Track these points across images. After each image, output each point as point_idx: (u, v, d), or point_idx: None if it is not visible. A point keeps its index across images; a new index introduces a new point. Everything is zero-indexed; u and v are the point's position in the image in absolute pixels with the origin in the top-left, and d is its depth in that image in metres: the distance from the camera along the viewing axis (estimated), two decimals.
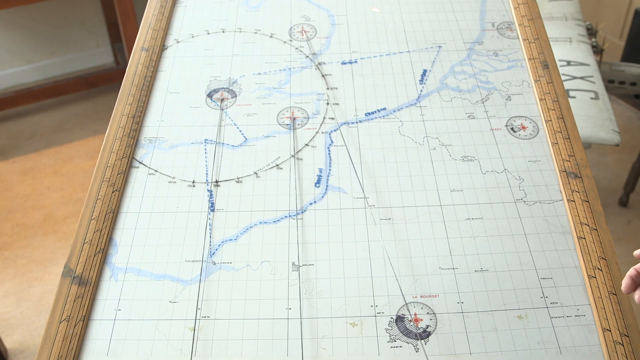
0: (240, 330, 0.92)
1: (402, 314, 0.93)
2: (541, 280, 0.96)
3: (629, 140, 2.84)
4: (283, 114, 1.20)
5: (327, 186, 1.08)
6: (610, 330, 0.90)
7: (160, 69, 1.29)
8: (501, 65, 1.29)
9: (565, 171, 1.09)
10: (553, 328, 0.91)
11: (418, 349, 0.89)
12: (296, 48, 1.33)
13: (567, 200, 1.05)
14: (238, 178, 1.10)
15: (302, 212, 1.05)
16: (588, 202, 1.04)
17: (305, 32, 1.37)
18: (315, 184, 1.09)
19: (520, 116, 1.19)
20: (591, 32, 2.29)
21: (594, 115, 1.86)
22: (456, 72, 1.27)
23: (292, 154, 1.14)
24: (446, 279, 0.97)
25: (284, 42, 1.35)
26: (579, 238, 1.00)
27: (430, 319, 0.92)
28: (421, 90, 1.24)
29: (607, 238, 1.00)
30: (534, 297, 0.95)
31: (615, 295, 0.93)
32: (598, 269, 0.96)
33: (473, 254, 0.99)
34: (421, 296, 0.95)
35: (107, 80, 3.06)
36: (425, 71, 1.28)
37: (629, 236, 2.45)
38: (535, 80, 1.24)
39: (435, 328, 0.91)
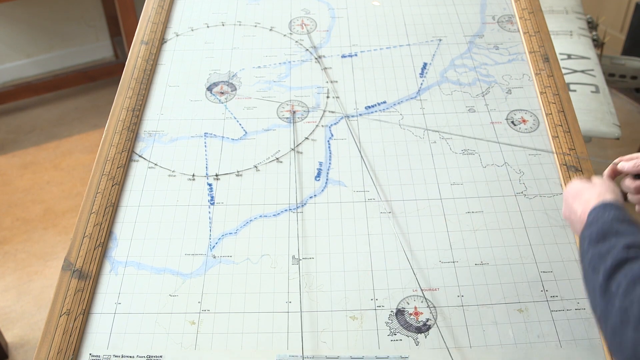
0: (240, 324, 0.92)
1: (402, 308, 0.93)
2: (541, 273, 0.96)
3: (629, 134, 2.84)
4: (283, 108, 1.20)
5: (327, 180, 1.08)
6: None
7: (160, 62, 1.29)
8: (502, 58, 1.28)
9: (566, 165, 1.09)
10: (553, 321, 0.91)
11: (418, 342, 0.89)
12: (296, 41, 1.33)
13: None
14: (238, 171, 1.10)
15: (302, 206, 1.05)
16: None
17: (305, 25, 1.36)
18: (316, 177, 1.09)
19: (521, 109, 1.19)
20: (592, 25, 2.29)
21: (595, 109, 1.86)
22: (456, 66, 1.27)
23: (292, 147, 1.14)
24: (446, 272, 0.96)
25: (284, 35, 1.34)
26: None
27: (431, 312, 0.92)
28: (421, 84, 1.24)
29: None
30: (534, 291, 0.95)
31: None
32: None
33: (473, 248, 0.99)
34: (422, 289, 0.95)
35: (107, 74, 3.05)
36: (425, 64, 1.27)
37: None
38: (536, 74, 1.24)
39: (435, 321, 0.91)
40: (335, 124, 1.17)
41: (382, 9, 1.40)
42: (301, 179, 1.09)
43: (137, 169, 1.11)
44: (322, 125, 1.17)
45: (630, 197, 0.92)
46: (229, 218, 1.04)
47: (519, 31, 1.34)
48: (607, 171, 0.93)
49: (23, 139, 2.91)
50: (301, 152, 1.13)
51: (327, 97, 1.21)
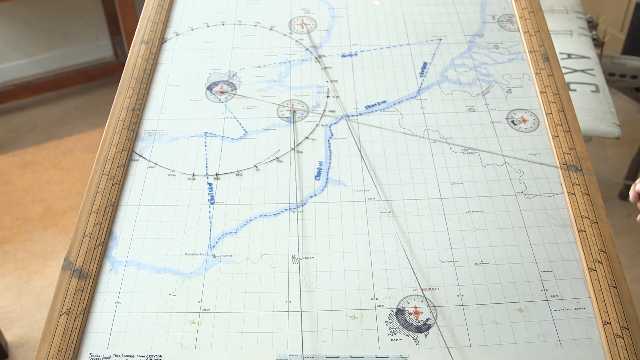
0: (240, 323, 0.92)
1: (402, 307, 0.93)
2: (541, 273, 0.96)
3: (629, 133, 2.84)
4: (283, 107, 1.20)
5: (327, 179, 1.08)
6: (610, 323, 0.90)
7: (160, 61, 1.29)
8: (502, 57, 1.28)
9: (566, 164, 1.09)
10: (553, 321, 0.91)
11: (418, 341, 0.89)
12: (296, 41, 1.33)
13: (568, 193, 1.05)
14: (238, 171, 1.10)
15: (302, 205, 1.05)
16: (588, 195, 1.04)
17: (305, 24, 1.36)
18: (316, 176, 1.09)
19: (521, 109, 1.19)
20: (592, 24, 2.29)
21: (595, 108, 1.86)
22: (456, 65, 1.27)
23: (292, 146, 1.14)
24: (446, 271, 0.96)
25: (284, 34, 1.34)
26: (579, 231, 1.00)
27: (431, 312, 0.92)
28: (421, 83, 1.24)
29: (607, 231, 1.00)
30: (534, 290, 0.95)
31: (616, 288, 0.93)
32: (598, 262, 0.96)
33: (473, 247, 0.99)
34: (422, 289, 0.95)
35: (107, 73, 3.06)
36: (425, 64, 1.28)
37: (628, 229, 2.45)
38: (536, 73, 1.24)
39: (435, 321, 0.91)
40: (335, 123, 1.17)
41: (382, 8, 1.40)
42: (301, 178, 1.09)
43: (137, 169, 1.11)
44: (322, 125, 1.17)
45: None
46: (229, 217, 1.04)
47: (519, 30, 1.34)
48: (631, 197, 0.96)
49: (23, 138, 2.91)
50: (301, 152, 1.13)
51: (327, 96, 1.21)
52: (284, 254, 0.99)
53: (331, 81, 1.24)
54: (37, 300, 2.20)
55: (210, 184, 1.08)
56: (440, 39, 1.32)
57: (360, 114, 1.18)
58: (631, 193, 0.98)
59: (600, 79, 1.97)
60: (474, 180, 1.08)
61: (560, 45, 2.09)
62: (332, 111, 1.19)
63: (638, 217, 0.96)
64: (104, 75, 3.06)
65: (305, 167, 1.10)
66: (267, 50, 1.31)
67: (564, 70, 1.95)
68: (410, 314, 0.92)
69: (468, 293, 0.94)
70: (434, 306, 0.93)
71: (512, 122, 1.17)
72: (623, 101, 3.04)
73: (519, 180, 1.08)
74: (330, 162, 1.11)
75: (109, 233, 1.02)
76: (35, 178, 2.69)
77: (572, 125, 1.14)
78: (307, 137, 1.15)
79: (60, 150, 2.84)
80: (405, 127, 1.16)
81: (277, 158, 1.12)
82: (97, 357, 0.89)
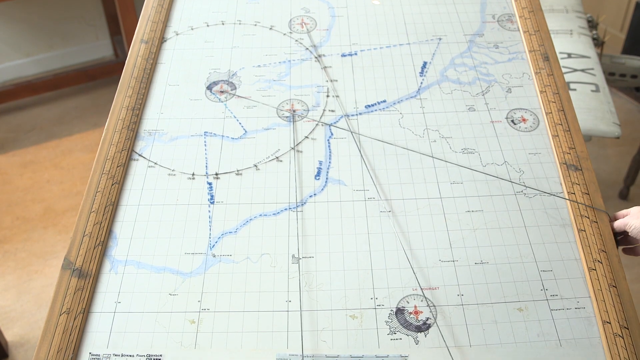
0: (240, 323, 0.92)
1: (402, 307, 0.93)
2: (541, 272, 0.96)
3: (629, 133, 2.84)
4: (283, 107, 1.20)
5: (327, 179, 1.08)
6: (610, 323, 0.90)
7: (160, 61, 1.29)
8: (502, 57, 1.28)
9: (566, 164, 1.09)
10: (553, 320, 0.91)
11: (418, 341, 0.89)
12: (296, 40, 1.33)
13: (568, 192, 1.05)
14: (238, 170, 1.10)
15: (302, 205, 1.05)
16: (588, 194, 1.04)
17: (305, 24, 1.36)
18: (315, 176, 1.09)
19: (521, 108, 1.19)
20: (592, 24, 2.29)
21: (595, 108, 1.86)
22: (456, 65, 1.27)
23: (292, 146, 1.14)
24: (446, 271, 0.96)
25: (284, 34, 1.34)
26: (579, 230, 1.00)
27: (431, 311, 0.92)
28: (421, 83, 1.24)
29: (607, 231, 1.00)
30: (534, 290, 0.95)
31: (616, 287, 0.93)
32: (598, 261, 0.96)
33: (473, 247, 0.99)
34: (421, 288, 0.95)
35: (107, 73, 3.06)
36: (425, 63, 1.27)
37: None
38: (536, 73, 1.23)
39: (435, 320, 0.91)
40: (335, 122, 1.17)
41: (382, 7, 1.40)
42: (301, 177, 1.09)
43: (137, 168, 1.11)
44: (322, 124, 1.17)
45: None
46: (228, 217, 1.04)
47: (519, 30, 1.34)
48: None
49: (23, 138, 2.91)
50: (301, 151, 1.13)
51: (327, 96, 1.21)
52: (283, 253, 0.99)
53: (331, 81, 1.24)
54: (37, 299, 2.20)
55: (210, 184, 1.08)
56: (440, 39, 1.32)
57: (360, 114, 1.18)
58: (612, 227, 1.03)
59: (600, 78, 1.97)
60: (474, 180, 1.08)
61: (560, 44, 2.09)
62: (332, 111, 1.19)
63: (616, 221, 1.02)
64: (104, 75, 3.06)
65: (305, 167, 1.10)
66: (267, 49, 1.31)
67: (564, 70, 1.95)
68: (410, 313, 0.92)
69: (468, 292, 0.94)
70: (434, 306, 0.93)
71: (512, 121, 1.17)
72: (623, 101, 3.04)
73: (518, 180, 1.08)
74: (330, 162, 1.11)
75: (109, 232, 1.02)
76: (35, 178, 2.69)
77: (572, 124, 1.14)
78: (306, 137, 1.15)
79: (60, 150, 2.84)
80: (405, 127, 1.16)
81: (277, 157, 1.12)
82: (97, 357, 0.89)
